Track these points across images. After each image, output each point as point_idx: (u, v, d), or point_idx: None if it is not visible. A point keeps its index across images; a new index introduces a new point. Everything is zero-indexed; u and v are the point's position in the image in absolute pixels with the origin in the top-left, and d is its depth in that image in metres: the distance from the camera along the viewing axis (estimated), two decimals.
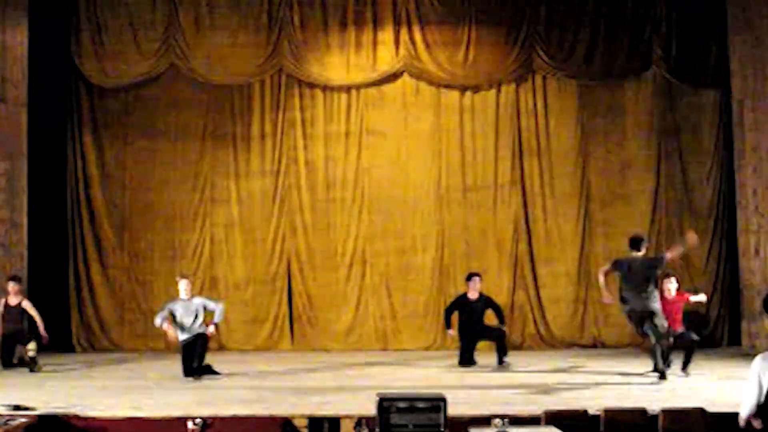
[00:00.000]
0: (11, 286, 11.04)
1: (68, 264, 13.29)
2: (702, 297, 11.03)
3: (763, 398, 4.10)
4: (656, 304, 9.53)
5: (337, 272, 13.41)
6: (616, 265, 9.85)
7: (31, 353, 10.65)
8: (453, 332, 11.33)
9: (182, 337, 10.22)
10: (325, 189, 13.50)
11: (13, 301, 11.02)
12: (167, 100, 13.51)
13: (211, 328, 10.38)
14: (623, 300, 9.66)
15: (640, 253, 9.78)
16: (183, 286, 10.38)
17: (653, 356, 9.52)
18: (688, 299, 10.57)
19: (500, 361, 10.93)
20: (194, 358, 10.08)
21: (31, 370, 10.53)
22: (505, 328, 11.23)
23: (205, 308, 10.38)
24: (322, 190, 13.50)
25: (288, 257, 13.43)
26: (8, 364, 10.85)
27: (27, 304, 11.04)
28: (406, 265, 13.39)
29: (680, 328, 10.15)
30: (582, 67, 13.42)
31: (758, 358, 4.18)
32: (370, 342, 13.24)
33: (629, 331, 13.09)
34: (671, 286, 10.32)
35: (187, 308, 10.30)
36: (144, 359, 12.08)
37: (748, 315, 12.39)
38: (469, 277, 11.40)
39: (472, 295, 11.25)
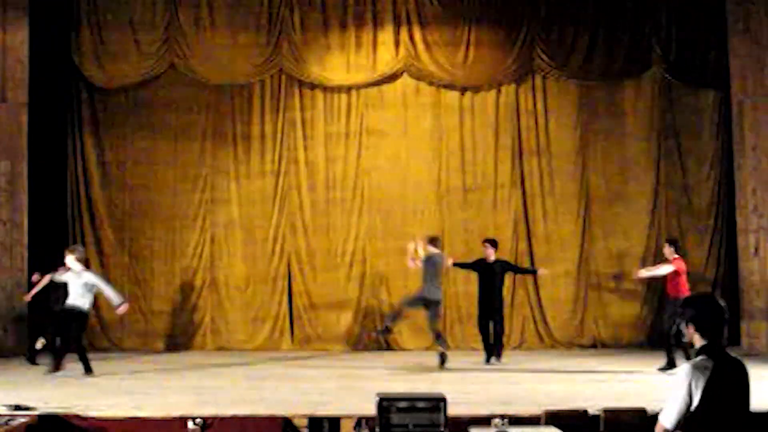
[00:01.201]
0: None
1: None
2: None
3: (692, 409, 3.88)
4: None
5: (337, 272, 13.41)
6: None
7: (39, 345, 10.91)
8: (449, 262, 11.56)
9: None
10: (325, 189, 13.50)
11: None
12: (167, 100, 13.52)
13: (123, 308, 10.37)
14: None
15: None
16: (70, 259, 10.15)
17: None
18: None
19: (488, 360, 11.14)
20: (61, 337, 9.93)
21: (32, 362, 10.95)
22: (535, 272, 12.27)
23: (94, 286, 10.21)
24: (322, 190, 13.51)
25: (288, 257, 13.43)
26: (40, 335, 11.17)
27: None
28: (406, 265, 13.34)
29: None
30: (582, 67, 13.43)
31: (689, 366, 3.93)
32: (370, 342, 13.24)
33: (629, 330, 13.18)
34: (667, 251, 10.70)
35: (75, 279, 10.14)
36: (144, 359, 12.07)
37: (748, 315, 12.39)
38: (483, 242, 11.63)
39: (489, 259, 11.42)
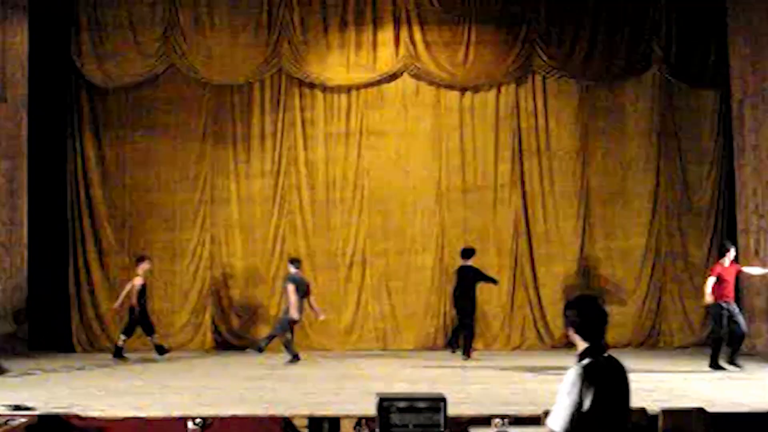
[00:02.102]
0: (145, 265, 12.10)
1: (68, 264, 13.29)
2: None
3: (582, 412, 3.84)
4: None
5: (337, 272, 13.41)
6: None
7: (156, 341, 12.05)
8: None
9: None
10: (325, 189, 13.50)
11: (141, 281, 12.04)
12: (167, 100, 13.51)
13: None
14: None
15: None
16: None
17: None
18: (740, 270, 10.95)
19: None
20: None
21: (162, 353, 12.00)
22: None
23: None
24: (322, 190, 13.50)
25: (288, 257, 13.41)
26: (151, 332, 12.13)
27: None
28: (406, 265, 13.40)
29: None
30: (582, 67, 13.43)
31: (578, 369, 3.88)
32: (370, 342, 13.25)
33: (629, 331, 13.17)
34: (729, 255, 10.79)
35: None
36: (144, 359, 12.07)
37: (748, 315, 12.37)
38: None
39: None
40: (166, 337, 13.21)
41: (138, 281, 11.94)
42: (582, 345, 4.00)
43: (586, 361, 3.93)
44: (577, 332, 4.00)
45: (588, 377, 3.86)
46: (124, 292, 11.97)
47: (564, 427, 3.86)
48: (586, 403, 3.84)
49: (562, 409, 3.87)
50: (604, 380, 3.90)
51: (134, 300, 11.88)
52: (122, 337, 11.94)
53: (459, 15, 13.41)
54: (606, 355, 3.98)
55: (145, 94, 13.53)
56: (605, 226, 13.48)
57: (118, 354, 11.77)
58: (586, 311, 4.03)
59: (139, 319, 11.95)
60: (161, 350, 12.04)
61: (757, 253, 12.25)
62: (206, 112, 13.53)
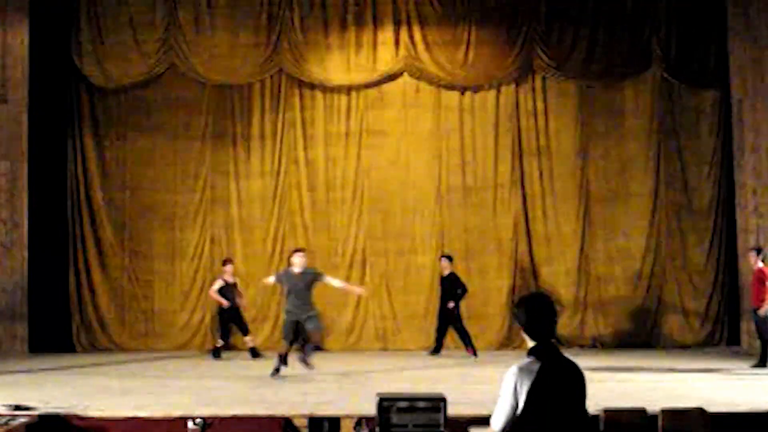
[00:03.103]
0: (227, 267, 12.36)
1: (68, 264, 13.31)
2: None
3: (519, 412, 3.79)
4: None
5: (337, 272, 13.35)
6: None
7: (250, 343, 12.29)
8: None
9: None
10: (325, 189, 13.50)
11: (230, 279, 12.34)
12: (167, 100, 13.52)
13: None
14: None
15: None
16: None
17: None
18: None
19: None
20: None
21: (255, 356, 12.07)
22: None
23: None
24: (322, 190, 13.51)
25: (288, 257, 13.41)
26: (227, 337, 12.42)
27: (236, 280, 12.49)
28: (406, 265, 13.40)
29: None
30: (582, 68, 13.43)
31: (515, 368, 3.83)
32: (370, 342, 13.26)
33: (629, 330, 13.18)
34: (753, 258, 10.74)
35: None
36: (144, 359, 12.07)
37: (748, 315, 12.38)
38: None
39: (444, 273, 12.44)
40: (166, 337, 13.25)
41: (216, 283, 12.34)
42: (530, 344, 3.93)
43: (525, 361, 3.86)
44: (525, 331, 3.95)
45: (522, 377, 3.80)
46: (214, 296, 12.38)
47: (501, 426, 3.81)
48: (521, 404, 3.77)
49: (500, 409, 3.83)
50: (543, 381, 3.79)
51: (221, 300, 12.24)
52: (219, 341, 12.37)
53: (459, 15, 13.41)
54: (554, 355, 3.90)
55: (146, 94, 13.54)
56: (605, 226, 13.48)
57: (216, 354, 12.15)
58: (532, 310, 3.97)
59: (231, 318, 12.30)
60: (254, 353, 12.22)
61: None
62: (206, 112, 13.54)
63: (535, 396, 3.76)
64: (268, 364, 10.52)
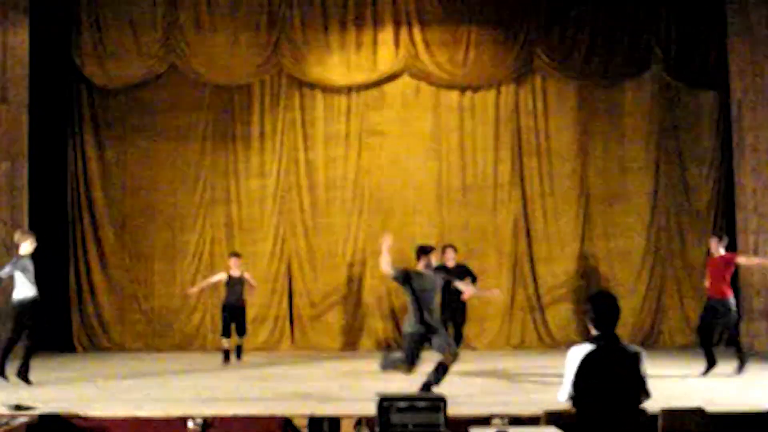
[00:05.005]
0: (233, 260, 11.83)
1: (69, 264, 13.31)
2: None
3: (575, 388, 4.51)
4: None
5: (337, 272, 13.41)
6: None
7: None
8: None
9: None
10: (325, 189, 13.50)
11: (235, 273, 11.78)
12: (167, 101, 13.52)
13: None
14: None
15: None
16: None
17: None
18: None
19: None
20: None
21: (238, 358, 11.69)
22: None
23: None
24: (322, 191, 13.51)
25: (288, 257, 13.44)
26: (228, 334, 11.65)
27: (248, 276, 11.93)
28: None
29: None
30: (582, 67, 13.43)
31: (574, 348, 4.59)
32: (370, 342, 13.24)
33: (629, 330, 13.17)
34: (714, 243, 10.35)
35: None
36: (144, 359, 12.08)
37: (748, 315, 12.39)
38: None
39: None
40: (166, 337, 13.25)
41: (217, 276, 11.99)
42: (594, 333, 4.60)
43: (584, 344, 4.57)
44: (590, 321, 4.62)
45: (577, 357, 4.51)
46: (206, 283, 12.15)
47: (566, 398, 4.58)
48: (579, 382, 4.50)
49: (564, 384, 4.58)
50: (594, 361, 4.49)
51: (200, 288, 12.16)
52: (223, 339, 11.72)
53: (459, 15, 13.41)
54: (612, 342, 4.52)
55: (146, 95, 13.54)
56: (605, 226, 13.48)
57: (226, 357, 11.55)
58: (598, 305, 4.61)
59: (233, 317, 11.69)
60: (238, 354, 11.76)
61: (756, 252, 12.25)
62: (206, 113, 13.54)
63: (586, 379, 4.48)
64: (262, 363, 10.51)
